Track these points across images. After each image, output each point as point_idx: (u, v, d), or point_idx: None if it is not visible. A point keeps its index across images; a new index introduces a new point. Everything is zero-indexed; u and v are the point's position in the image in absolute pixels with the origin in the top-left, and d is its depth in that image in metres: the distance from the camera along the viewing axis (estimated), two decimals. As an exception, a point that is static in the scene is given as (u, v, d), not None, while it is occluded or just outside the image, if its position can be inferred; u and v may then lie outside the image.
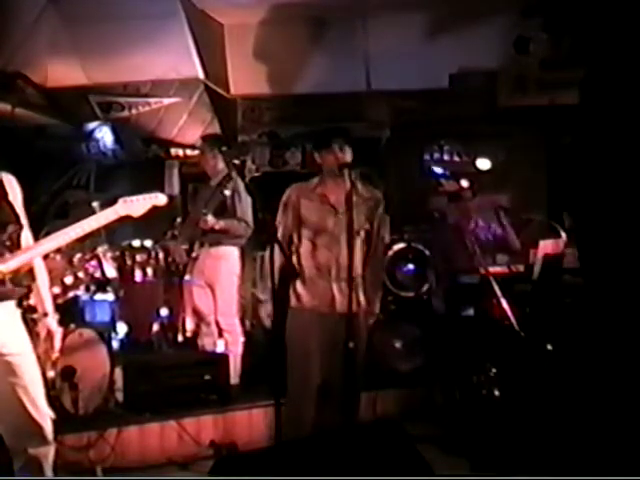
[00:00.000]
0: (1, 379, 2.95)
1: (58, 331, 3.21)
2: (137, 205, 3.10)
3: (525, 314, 4.49)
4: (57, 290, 4.58)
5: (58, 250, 4.40)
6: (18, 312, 3.08)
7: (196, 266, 5.45)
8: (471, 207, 5.94)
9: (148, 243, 5.71)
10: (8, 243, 3.00)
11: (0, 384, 2.96)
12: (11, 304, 3.03)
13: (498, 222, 5.96)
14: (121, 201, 3.09)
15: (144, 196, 3.13)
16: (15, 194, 3.11)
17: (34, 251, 3.07)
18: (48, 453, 3.06)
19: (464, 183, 5.63)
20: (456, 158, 7.21)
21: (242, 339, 5.57)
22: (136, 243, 5.71)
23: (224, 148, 5.55)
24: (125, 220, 3.13)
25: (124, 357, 5.03)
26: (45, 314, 3.17)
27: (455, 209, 5.96)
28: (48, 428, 3.04)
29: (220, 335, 5.49)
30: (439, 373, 5.58)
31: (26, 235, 3.14)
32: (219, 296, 5.46)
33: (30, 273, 3.11)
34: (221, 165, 5.51)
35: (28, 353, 3.05)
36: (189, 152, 7.00)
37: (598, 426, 4.41)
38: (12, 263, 2.97)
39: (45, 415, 3.04)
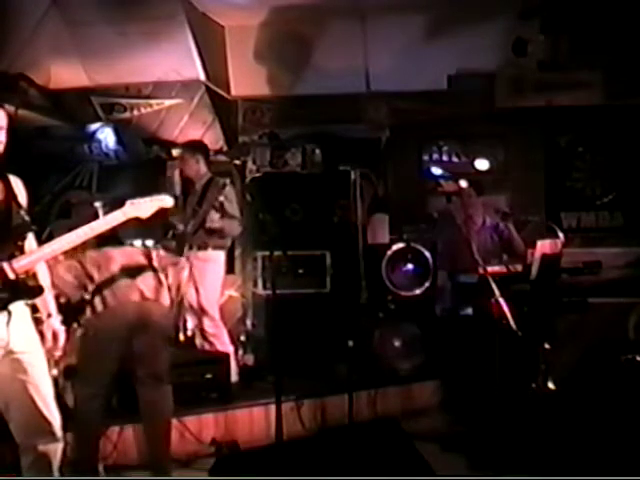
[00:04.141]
0: (12, 377, 2.99)
1: (62, 330, 3.25)
2: (144, 207, 3.17)
3: (523, 313, 4.52)
4: (60, 290, 4.61)
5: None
6: (27, 311, 3.11)
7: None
8: (476, 206, 5.98)
9: (149, 243, 5.74)
10: (20, 243, 3.05)
11: (11, 382, 3.00)
12: (21, 303, 3.07)
13: (504, 224, 6.01)
14: (129, 203, 3.15)
15: (151, 198, 3.20)
16: (23, 196, 3.17)
17: (45, 251, 3.10)
18: (57, 450, 3.10)
19: (463, 184, 5.66)
20: (455, 159, 7.26)
21: (231, 347, 5.61)
22: (137, 243, 5.74)
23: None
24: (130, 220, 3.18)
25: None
26: (49, 315, 3.21)
27: (460, 208, 5.99)
28: (57, 425, 3.09)
29: (206, 340, 5.53)
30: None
31: (29, 236, 3.18)
32: (203, 297, 5.50)
33: (33, 275, 3.15)
34: (204, 169, 5.62)
35: (38, 351, 3.10)
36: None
37: (598, 426, 4.47)
38: (24, 263, 3.01)
39: (55, 412, 3.09)
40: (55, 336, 3.20)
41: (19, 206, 3.10)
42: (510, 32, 6.48)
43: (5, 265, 2.95)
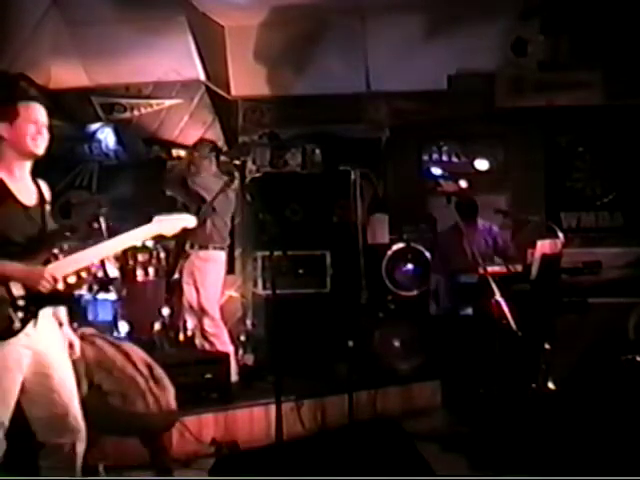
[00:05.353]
0: (38, 373, 2.99)
1: (76, 339, 3.26)
2: (169, 225, 3.25)
3: (523, 313, 4.53)
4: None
5: (61, 250, 4.44)
6: (49, 312, 3.09)
7: (186, 266, 5.52)
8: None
9: (150, 243, 5.75)
10: (54, 250, 3.07)
11: (36, 379, 2.99)
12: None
13: (497, 227, 6.03)
14: (156, 220, 3.22)
15: (177, 217, 3.29)
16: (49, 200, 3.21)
17: (77, 258, 3.11)
18: (81, 447, 3.10)
19: (462, 184, 5.67)
20: (455, 159, 7.27)
21: (231, 347, 5.62)
22: (138, 243, 5.75)
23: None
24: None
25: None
26: (60, 324, 3.22)
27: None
28: (81, 422, 3.09)
29: (206, 340, 5.54)
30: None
31: None
32: (203, 297, 5.50)
33: None
34: (215, 168, 5.63)
35: (62, 350, 3.11)
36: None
37: (598, 426, 4.47)
38: (65, 267, 3.03)
39: (78, 409, 3.09)
40: (71, 345, 3.22)
41: (50, 211, 3.13)
42: (510, 32, 6.49)
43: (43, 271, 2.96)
